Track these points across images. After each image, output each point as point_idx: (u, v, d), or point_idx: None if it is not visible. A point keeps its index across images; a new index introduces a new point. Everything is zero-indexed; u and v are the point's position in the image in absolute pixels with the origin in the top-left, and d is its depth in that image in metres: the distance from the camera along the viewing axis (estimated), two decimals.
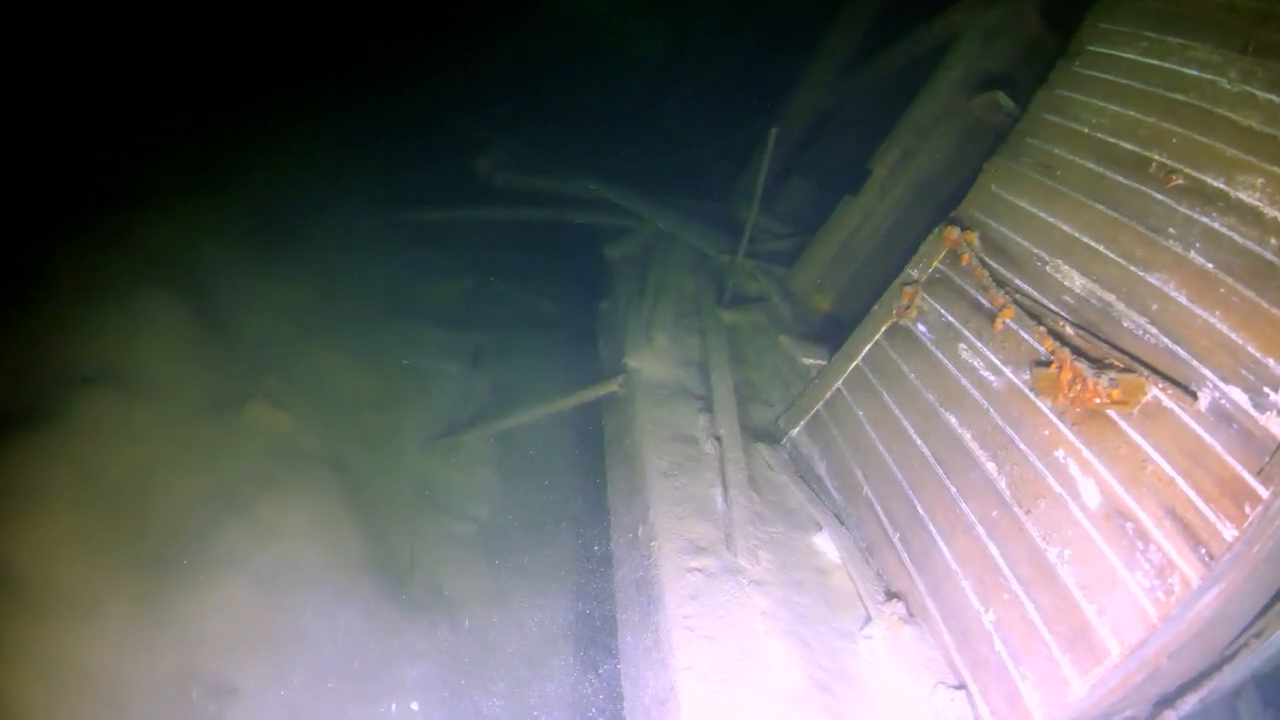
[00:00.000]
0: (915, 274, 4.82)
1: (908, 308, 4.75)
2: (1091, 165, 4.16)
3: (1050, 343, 3.73)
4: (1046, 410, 3.73)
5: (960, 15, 6.65)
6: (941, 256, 4.71)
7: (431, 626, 4.78)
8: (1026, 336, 3.96)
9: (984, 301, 4.28)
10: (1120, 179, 3.97)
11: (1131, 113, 4.09)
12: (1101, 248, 3.87)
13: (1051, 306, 3.93)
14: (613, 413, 5.65)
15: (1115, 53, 4.36)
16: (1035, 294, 4.06)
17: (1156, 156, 3.83)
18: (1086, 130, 4.28)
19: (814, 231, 7.23)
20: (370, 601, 4.76)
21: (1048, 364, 3.76)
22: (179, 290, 5.91)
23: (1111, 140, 4.13)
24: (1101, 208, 3.98)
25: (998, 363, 4.08)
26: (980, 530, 3.80)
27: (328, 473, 5.21)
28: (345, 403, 5.89)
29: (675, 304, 6.52)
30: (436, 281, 7.84)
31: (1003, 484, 3.79)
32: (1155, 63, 4.09)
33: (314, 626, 4.51)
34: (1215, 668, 3.55)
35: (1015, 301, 4.05)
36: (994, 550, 3.69)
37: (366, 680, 4.55)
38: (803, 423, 5.23)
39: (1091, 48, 4.52)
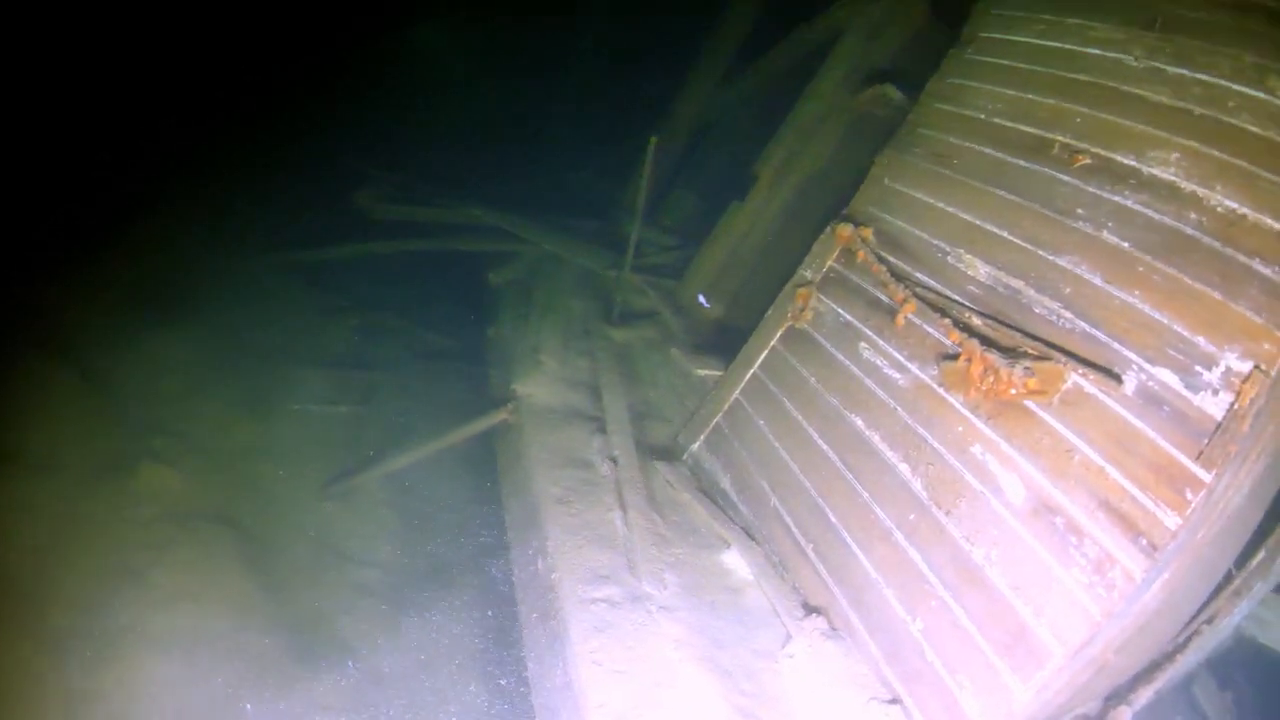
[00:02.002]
0: (809, 275, 4.74)
1: (803, 310, 4.66)
2: (990, 151, 4.13)
3: (957, 334, 3.67)
4: (958, 405, 3.65)
5: (842, 12, 6.71)
6: (835, 255, 4.64)
7: (339, 679, 4.51)
8: (931, 330, 3.89)
9: (883, 298, 4.21)
10: (1021, 163, 3.94)
11: (1030, 95, 4.09)
12: (1005, 234, 3.83)
13: (956, 298, 3.86)
14: (505, 441, 5.49)
15: (1010, 38, 4.37)
16: (938, 286, 4.00)
17: (1059, 138, 3.82)
18: (983, 117, 4.26)
19: (699, 244, 7.15)
20: (276, 660, 4.51)
21: (955, 357, 3.68)
22: (59, 353, 5.76)
23: (1010, 125, 4.11)
24: (1002, 193, 3.95)
25: (902, 359, 4.00)
26: (899, 535, 3.70)
27: (223, 530, 5.01)
28: (237, 455, 5.68)
29: (563, 325, 6.42)
30: (324, 322, 7.59)
31: (918, 485, 3.70)
32: (1054, 44, 4.10)
33: (221, 694, 4.26)
34: (1168, 658, 3.51)
35: (916, 295, 3.97)
36: (915, 555, 3.59)
37: None
38: (702, 437, 5.08)
39: (985, 34, 4.52)
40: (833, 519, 4.04)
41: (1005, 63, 4.31)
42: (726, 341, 6.18)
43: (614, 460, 4.83)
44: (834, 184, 6.28)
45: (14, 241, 6.49)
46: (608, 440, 5.02)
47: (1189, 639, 3.53)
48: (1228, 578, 3.56)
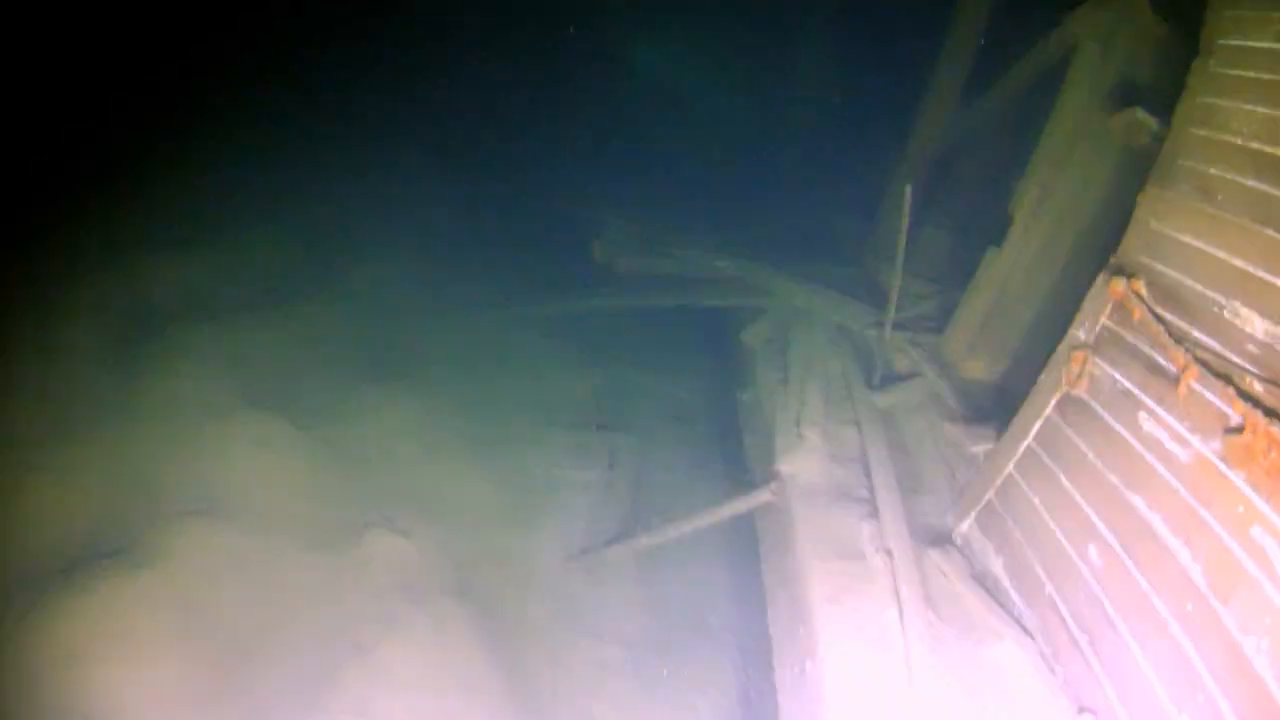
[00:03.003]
0: (1082, 335, 4.33)
1: (1079, 375, 4.25)
2: (1253, 183, 3.59)
3: (1241, 405, 3.22)
4: (1240, 483, 3.20)
5: (1074, 25, 6.12)
6: (1108, 312, 4.21)
7: None
8: (1213, 399, 3.43)
9: (1162, 361, 3.77)
10: None
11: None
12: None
13: (1235, 359, 3.40)
14: (768, 523, 5.36)
15: (1250, 44, 3.81)
16: (1216, 346, 3.53)
17: None
18: (1239, 141, 3.72)
19: (957, 288, 6.78)
20: None
21: (1240, 429, 3.23)
22: (284, 411, 5.90)
23: (1269, 150, 3.56)
24: (1271, 232, 3.42)
25: (1184, 432, 3.56)
26: (1175, 628, 3.31)
27: (456, 605, 5.03)
28: (473, 523, 5.72)
29: (823, 392, 6.18)
30: (565, 377, 7.72)
31: (1198, 572, 3.29)
32: None
33: None
34: None
35: (1197, 359, 3.53)
36: (1189, 648, 3.21)
37: None
38: (973, 514, 4.77)
39: (1224, 41, 3.98)
40: (1111, 611, 3.66)
41: (1250, 74, 3.76)
42: (994, 402, 5.86)
43: (889, 554, 4.58)
44: (1097, 220, 5.77)
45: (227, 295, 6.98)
46: (880, 527, 4.78)
47: None
48: None
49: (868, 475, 5.28)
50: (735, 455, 6.23)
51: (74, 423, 5.38)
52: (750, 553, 5.47)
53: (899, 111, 8.85)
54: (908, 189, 5.90)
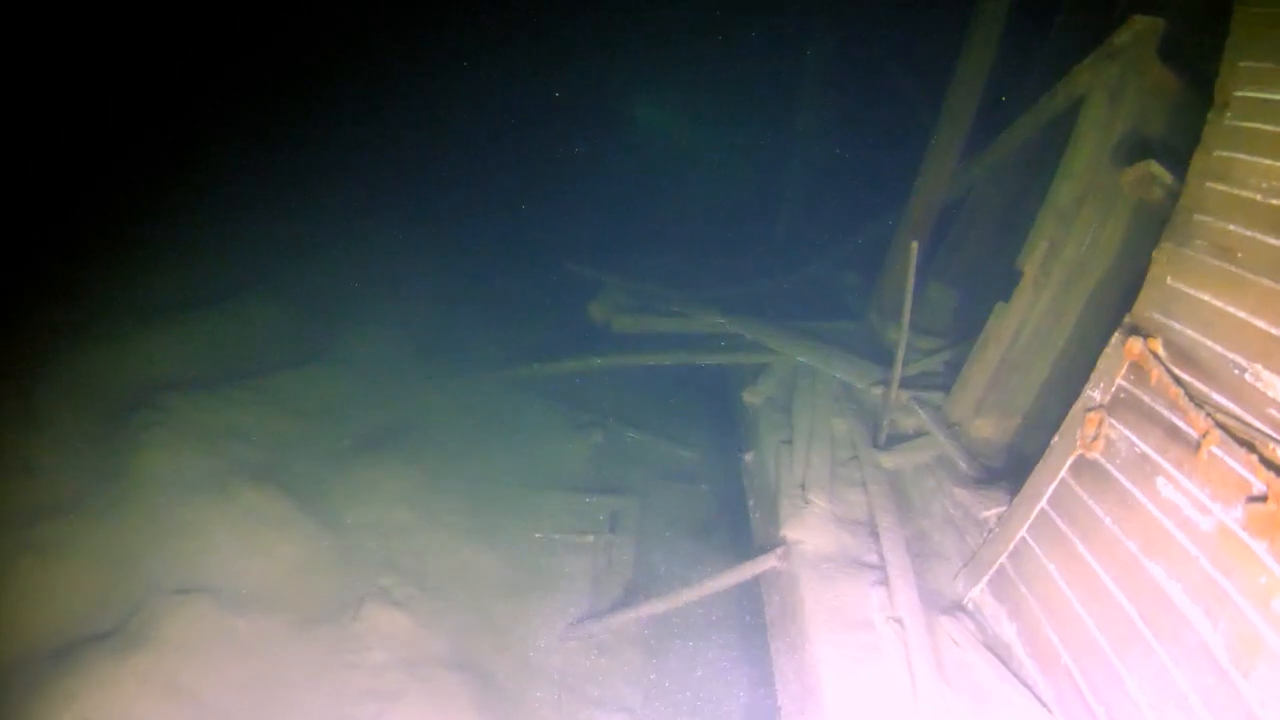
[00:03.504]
0: (1097, 396, 4.24)
1: (1094, 438, 4.15)
2: (1273, 241, 3.52)
3: (1264, 473, 3.13)
4: (1262, 553, 3.12)
5: (1082, 76, 5.98)
6: (1124, 372, 4.12)
7: None
8: (1235, 465, 3.34)
9: (1181, 425, 3.68)
10: None
11: None
12: None
13: (1258, 425, 3.31)
14: (774, 590, 5.21)
15: (1268, 96, 3.74)
16: (1239, 411, 3.44)
17: None
18: (1259, 198, 3.65)
19: (963, 344, 6.66)
20: None
21: (1263, 498, 3.14)
22: (278, 482, 5.87)
23: None
24: None
25: (1205, 499, 3.47)
26: (1194, 700, 3.23)
27: (456, 678, 4.92)
28: (473, 592, 5.62)
29: (828, 453, 6.05)
30: (563, 440, 7.59)
31: (1218, 645, 3.20)
32: None
33: None
34: None
35: (1218, 424, 3.43)
36: None
37: None
38: (985, 580, 4.67)
39: (1240, 93, 3.91)
40: (1129, 686, 3.55)
41: (1268, 128, 3.67)
42: (1005, 464, 5.80)
43: (899, 623, 4.46)
44: (1105, 276, 5.69)
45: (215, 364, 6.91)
46: (890, 595, 4.66)
47: None
48: None
49: (876, 539, 5.17)
50: (739, 515, 6.09)
51: (62, 500, 5.36)
52: (757, 618, 5.33)
53: (903, 164, 8.75)
54: (913, 246, 5.80)
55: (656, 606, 5.39)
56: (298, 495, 5.83)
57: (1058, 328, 6.07)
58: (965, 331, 6.75)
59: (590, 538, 6.30)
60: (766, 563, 5.15)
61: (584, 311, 9.01)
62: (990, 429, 6.35)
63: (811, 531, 5.20)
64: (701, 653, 5.57)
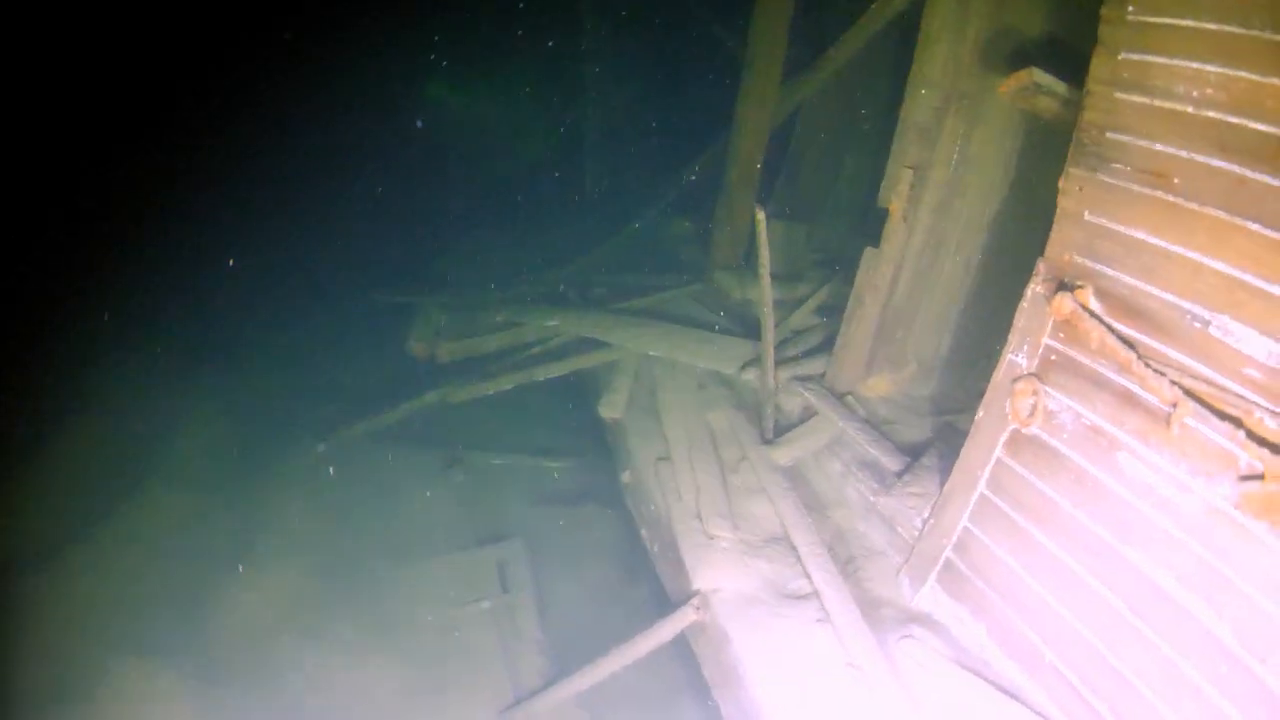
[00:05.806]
0: (1022, 361, 3.81)
1: (1032, 411, 3.74)
2: (1219, 163, 2.97)
3: (1255, 449, 2.79)
4: (1265, 534, 2.85)
5: None
6: (1050, 330, 3.68)
7: None
8: (1213, 435, 2.99)
9: (1136, 390, 3.29)
10: (1268, 179, 2.81)
11: (1244, 72, 2.87)
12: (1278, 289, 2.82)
13: (1234, 387, 2.95)
14: (704, 645, 4.61)
15: None
16: (1206, 372, 3.04)
17: None
18: (1191, 110, 3.07)
19: (833, 280, 6.24)
20: None
21: (1259, 477, 2.81)
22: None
23: (1233, 120, 2.92)
24: (1257, 228, 2.85)
25: (1184, 476, 3.12)
26: (1210, 691, 3.01)
27: None
28: (388, 713, 4.99)
29: (715, 467, 5.43)
30: (422, 489, 6.81)
31: (1226, 632, 2.97)
32: None
33: None
34: None
35: (1186, 391, 3.05)
36: (1230, 710, 2.94)
37: None
38: (932, 577, 4.32)
39: None
40: (1130, 676, 3.32)
41: (1191, 24, 3.04)
42: (914, 427, 5.56)
43: (854, 667, 4.00)
44: (990, 194, 5.31)
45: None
46: (836, 633, 4.17)
47: None
48: None
49: (797, 555, 4.72)
50: (632, 530, 5.60)
51: None
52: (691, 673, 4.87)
53: (721, 95, 8.20)
54: (761, 215, 5.25)
55: (579, 683, 4.79)
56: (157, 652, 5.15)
57: (944, 261, 5.63)
58: (825, 276, 6.30)
59: (486, 603, 5.66)
60: (685, 618, 4.56)
61: (406, 348, 8.07)
62: (886, 385, 5.99)
63: (724, 572, 4.64)
64: (648, 703, 5.12)
